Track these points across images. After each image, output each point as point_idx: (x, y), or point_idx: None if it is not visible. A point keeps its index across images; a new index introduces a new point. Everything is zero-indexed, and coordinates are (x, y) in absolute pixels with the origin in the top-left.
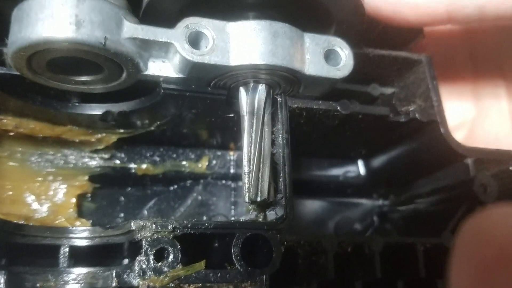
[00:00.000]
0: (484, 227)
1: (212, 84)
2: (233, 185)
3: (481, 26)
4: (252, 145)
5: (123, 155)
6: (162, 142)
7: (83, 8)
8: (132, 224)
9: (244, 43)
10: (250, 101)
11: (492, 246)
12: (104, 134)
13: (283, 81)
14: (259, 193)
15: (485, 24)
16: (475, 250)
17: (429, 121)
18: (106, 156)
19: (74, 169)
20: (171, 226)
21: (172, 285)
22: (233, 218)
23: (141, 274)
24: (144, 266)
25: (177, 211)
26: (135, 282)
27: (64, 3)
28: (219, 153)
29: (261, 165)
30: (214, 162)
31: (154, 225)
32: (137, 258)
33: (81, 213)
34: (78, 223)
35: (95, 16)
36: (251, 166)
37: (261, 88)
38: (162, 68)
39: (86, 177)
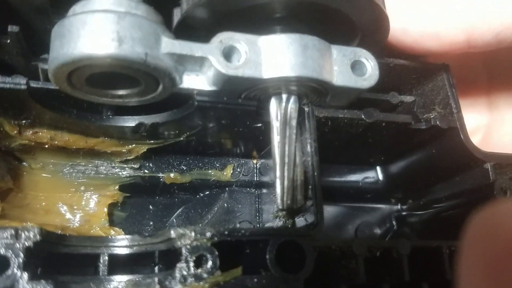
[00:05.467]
0: (493, 221)
1: (243, 96)
2: (257, 192)
3: None
4: (283, 154)
5: (151, 165)
6: (188, 151)
7: (124, 25)
8: (172, 232)
9: (276, 56)
10: (279, 111)
11: (501, 240)
12: (134, 145)
13: (311, 92)
14: (291, 200)
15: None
16: (484, 245)
17: (449, 128)
18: (135, 166)
19: (105, 179)
20: (209, 233)
21: None
22: (258, 225)
23: (182, 280)
24: (184, 273)
25: (205, 219)
26: None
27: (105, 19)
28: (242, 161)
29: (293, 174)
30: (238, 170)
31: (193, 233)
32: (178, 265)
33: (112, 222)
34: (112, 232)
35: (135, 33)
36: (283, 175)
37: (290, 98)
38: (196, 81)
39: (117, 187)
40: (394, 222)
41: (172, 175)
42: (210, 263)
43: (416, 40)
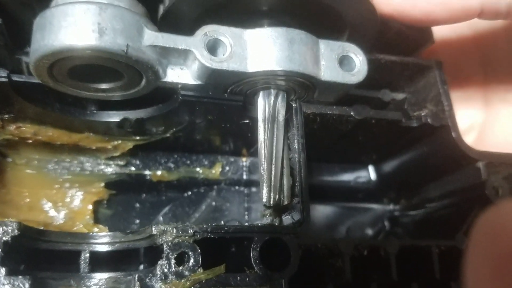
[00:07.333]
0: (498, 221)
1: (228, 90)
2: (246, 191)
3: (492, 31)
4: (269, 151)
5: (138, 162)
6: (176, 148)
7: (105, 16)
8: (153, 228)
9: (261, 49)
10: (266, 106)
11: (507, 240)
12: (120, 141)
13: (298, 87)
14: (277, 197)
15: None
16: (490, 245)
17: (441, 126)
18: (121, 163)
19: (91, 176)
20: (191, 230)
21: None
22: (247, 223)
23: (163, 278)
24: (165, 270)
25: (192, 217)
26: (157, 286)
27: (87, 11)
28: (231, 159)
29: (279, 170)
30: (227, 168)
31: (175, 230)
32: (159, 262)
33: (97, 219)
34: (96, 229)
35: (117, 24)
36: (269, 172)
37: (277, 93)
38: (181, 75)
39: (102, 184)
40: (386, 223)
41: (159, 172)
42: (192, 260)
43: (428, 10)
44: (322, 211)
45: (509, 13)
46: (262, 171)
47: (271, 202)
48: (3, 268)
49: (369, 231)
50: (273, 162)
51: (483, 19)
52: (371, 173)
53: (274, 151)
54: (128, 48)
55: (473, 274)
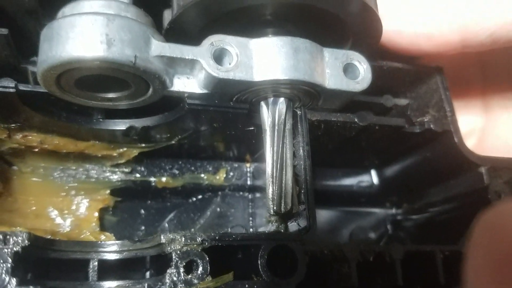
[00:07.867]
0: (498, 222)
1: (234, 99)
2: (250, 196)
3: None
4: (275, 158)
5: (143, 169)
6: (180, 155)
7: (113, 27)
8: (161, 237)
9: (267, 58)
10: (271, 114)
11: (507, 240)
12: (125, 149)
13: (303, 95)
14: (283, 204)
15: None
16: (490, 246)
17: (443, 131)
18: (126, 170)
19: (96, 183)
20: (199, 238)
21: None
22: (251, 229)
23: (172, 286)
24: (174, 278)
25: (197, 223)
26: None
27: (94, 22)
28: (235, 165)
29: (284, 177)
30: (231, 174)
31: (183, 238)
32: (168, 271)
33: (103, 226)
34: (102, 236)
35: (125, 35)
36: (275, 179)
37: (282, 101)
38: (187, 84)
39: (108, 191)
40: (388, 226)
41: (164, 179)
42: (200, 268)
43: (411, 41)
44: (325, 216)
45: (494, 43)
46: (271, 178)
47: (282, 209)
48: (14, 279)
49: (372, 235)
50: (279, 170)
51: (469, 51)
52: (374, 177)
53: (279, 159)
54: (136, 59)
55: (473, 274)
